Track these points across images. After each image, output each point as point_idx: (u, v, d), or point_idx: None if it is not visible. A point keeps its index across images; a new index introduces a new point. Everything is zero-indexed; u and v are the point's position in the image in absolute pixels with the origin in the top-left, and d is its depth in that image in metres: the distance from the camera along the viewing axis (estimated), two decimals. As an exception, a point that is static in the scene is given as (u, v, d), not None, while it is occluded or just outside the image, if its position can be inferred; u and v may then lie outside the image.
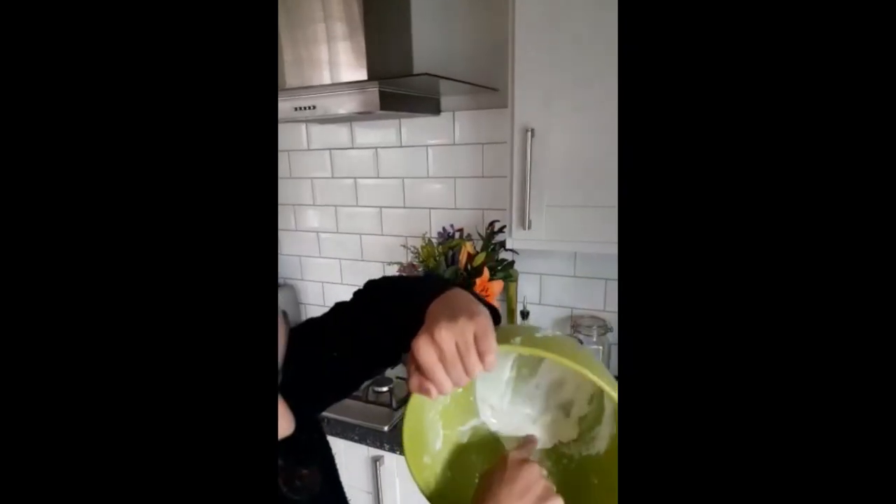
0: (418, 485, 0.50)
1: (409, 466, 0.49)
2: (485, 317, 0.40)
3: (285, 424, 0.32)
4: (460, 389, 0.53)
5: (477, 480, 0.51)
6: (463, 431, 0.55)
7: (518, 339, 0.41)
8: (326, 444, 0.56)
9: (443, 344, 0.37)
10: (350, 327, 0.54)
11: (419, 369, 0.39)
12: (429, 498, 0.50)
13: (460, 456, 0.53)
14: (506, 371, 0.54)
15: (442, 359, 0.37)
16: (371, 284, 0.57)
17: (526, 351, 0.41)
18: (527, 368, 0.54)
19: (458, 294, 0.44)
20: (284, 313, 0.33)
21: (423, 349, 0.37)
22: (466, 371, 0.37)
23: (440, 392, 0.38)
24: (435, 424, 0.52)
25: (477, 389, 0.55)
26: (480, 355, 0.37)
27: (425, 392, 0.38)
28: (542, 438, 0.55)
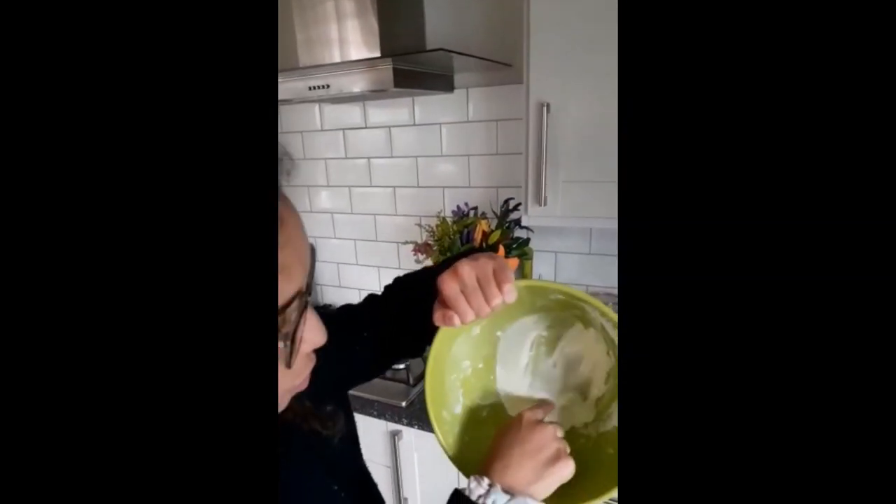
0: (437, 435, 0.51)
1: (429, 416, 0.51)
2: (503, 259, 0.43)
3: (321, 336, 0.35)
4: (480, 364, 0.55)
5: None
6: (482, 406, 0.56)
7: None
8: (351, 415, 0.58)
9: (464, 276, 0.41)
10: (381, 312, 0.57)
11: (443, 303, 0.42)
12: (444, 449, 0.52)
13: (478, 426, 0.55)
14: (525, 352, 0.55)
15: (463, 290, 0.41)
16: (399, 278, 0.60)
17: (539, 284, 0.45)
18: (545, 346, 0.55)
19: (480, 253, 0.46)
20: (312, 246, 0.34)
21: (447, 282, 0.41)
22: (487, 299, 0.41)
23: (462, 321, 0.41)
24: (455, 389, 0.54)
25: (497, 374, 0.57)
26: (499, 285, 0.41)
27: (449, 321, 0.42)
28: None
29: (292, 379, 0.35)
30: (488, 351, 0.56)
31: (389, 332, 0.56)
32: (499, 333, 0.55)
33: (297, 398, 0.40)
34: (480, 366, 0.55)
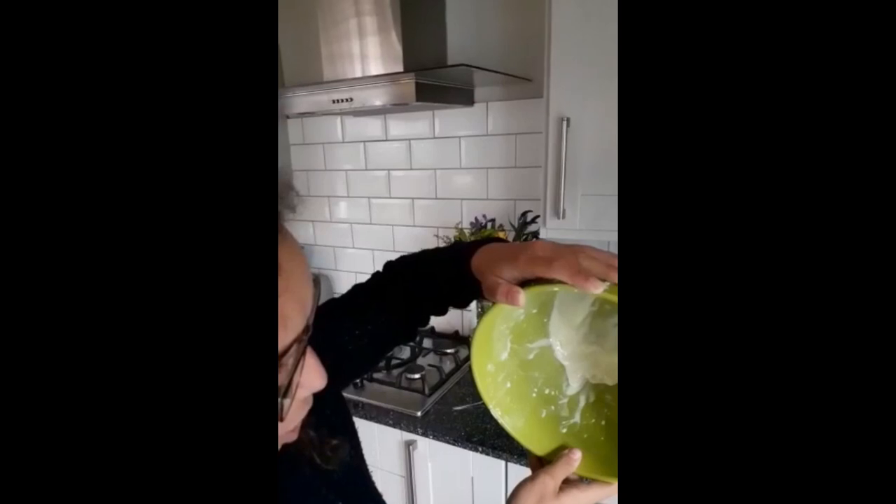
0: (478, 389, 0.51)
1: (473, 371, 0.51)
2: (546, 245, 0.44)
3: (319, 381, 0.32)
4: (534, 310, 0.54)
5: (534, 393, 0.54)
6: (530, 349, 0.56)
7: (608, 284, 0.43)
8: (351, 420, 0.57)
9: (583, 262, 0.40)
10: (375, 310, 0.57)
11: (489, 288, 0.42)
12: (485, 402, 0.52)
13: (522, 369, 0.55)
14: (585, 306, 0.54)
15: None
16: (389, 263, 0.59)
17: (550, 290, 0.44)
18: (609, 305, 0.53)
19: (501, 244, 0.45)
20: (317, 278, 0.32)
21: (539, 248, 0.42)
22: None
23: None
24: (504, 337, 0.53)
25: (552, 319, 0.56)
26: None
27: (513, 298, 0.42)
28: (607, 379, 0.55)
29: (283, 428, 0.33)
30: (545, 299, 0.55)
31: (385, 328, 0.55)
32: (556, 288, 0.56)
33: (302, 428, 0.38)
34: (534, 311, 0.54)
